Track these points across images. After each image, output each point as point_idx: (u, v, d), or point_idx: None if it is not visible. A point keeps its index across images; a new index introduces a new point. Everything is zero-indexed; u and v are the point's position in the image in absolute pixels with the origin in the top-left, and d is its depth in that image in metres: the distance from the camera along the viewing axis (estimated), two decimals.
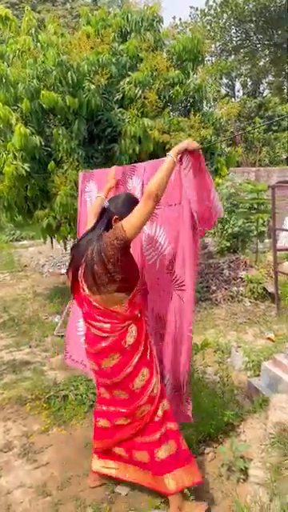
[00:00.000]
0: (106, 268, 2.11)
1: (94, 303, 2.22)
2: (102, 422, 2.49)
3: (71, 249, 2.40)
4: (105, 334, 2.23)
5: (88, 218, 2.65)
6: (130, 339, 2.26)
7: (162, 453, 2.30)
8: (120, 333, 2.23)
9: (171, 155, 2.13)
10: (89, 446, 3.05)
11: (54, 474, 2.79)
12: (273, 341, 4.61)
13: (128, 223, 2.09)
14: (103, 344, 2.25)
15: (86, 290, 2.24)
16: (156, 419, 2.32)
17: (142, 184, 2.60)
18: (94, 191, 3.08)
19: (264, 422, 2.93)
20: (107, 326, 2.23)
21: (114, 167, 2.81)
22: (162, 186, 2.08)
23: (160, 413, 2.32)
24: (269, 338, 4.73)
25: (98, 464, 2.61)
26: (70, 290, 2.42)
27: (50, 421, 3.37)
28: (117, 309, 2.22)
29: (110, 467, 2.56)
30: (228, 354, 4.50)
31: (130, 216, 2.11)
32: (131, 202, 2.26)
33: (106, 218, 2.25)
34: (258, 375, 3.75)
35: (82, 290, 2.28)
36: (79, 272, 2.27)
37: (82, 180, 3.22)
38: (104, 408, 2.45)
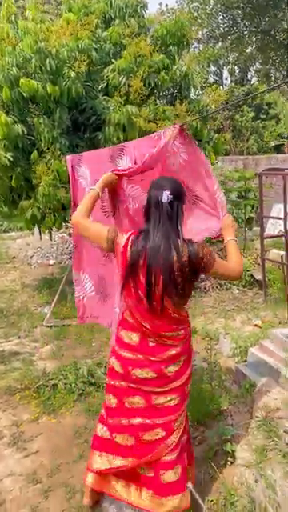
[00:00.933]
0: (191, 280, 1.98)
1: (174, 315, 2.01)
2: (121, 438, 2.11)
3: (148, 250, 1.93)
4: (177, 342, 2.07)
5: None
6: (191, 340, 2.21)
7: (179, 469, 2.08)
8: (189, 336, 2.17)
9: (231, 238, 2.26)
10: (77, 434, 3.08)
11: (43, 461, 2.81)
12: (260, 327, 4.65)
13: (222, 263, 2.05)
14: (173, 351, 2.06)
15: (167, 302, 1.96)
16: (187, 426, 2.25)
17: (134, 162, 2.57)
18: (87, 177, 3.01)
19: (251, 406, 2.97)
20: (182, 332, 2.09)
21: (110, 174, 2.29)
22: None
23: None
24: (256, 325, 4.78)
25: (95, 480, 2.21)
26: (134, 299, 2.02)
27: (40, 410, 3.39)
28: (185, 313, 2.13)
29: (114, 486, 2.19)
30: (216, 341, 4.54)
31: (226, 263, 2.10)
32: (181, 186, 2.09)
33: (178, 212, 1.98)
34: (246, 361, 3.79)
35: (159, 302, 1.95)
36: (158, 281, 1.92)
37: (70, 163, 3.14)
38: (126, 422, 2.09)
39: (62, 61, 4.87)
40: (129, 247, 1.98)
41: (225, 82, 25.71)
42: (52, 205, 5.04)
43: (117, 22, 5.76)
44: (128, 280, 1.99)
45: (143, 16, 6.08)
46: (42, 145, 4.99)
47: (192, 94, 6.58)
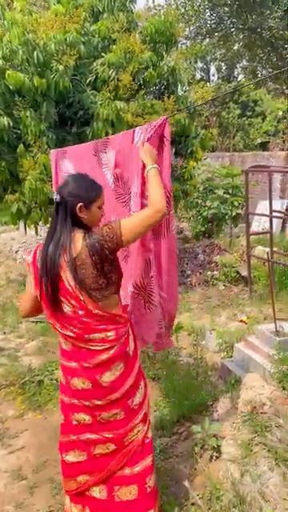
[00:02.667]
0: (103, 269, 1.80)
1: (96, 311, 1.83)
2: (73, 456, 1.96)
3: (39, 262, 1.88)
4: (107, 345, 1.87)
5: None
6: (131, 344, 2.00)
7: (152, 480, 1.98)
8: (125, 338, 1.95)
9: (152, 166, 2.06)
10: None
11: (29, 457, 2.80)
12: (245, 323, 4.70)
13: (129, 225, 1.82)
14: (104, 356, 1.87)
15: (84, 299, 1.81)
16: (146, 441, 1.99)
17: (116, 154, 2.56)
18: (70, 170, 3.01)
19: (236, 401, 3.00)
20: (112, 333, 1.88)
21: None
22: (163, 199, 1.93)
23: (150, 433, 2.03)
24: (241, 321, 4.83)
25: (71, 507, 2.03)
26: (45, 310, 1.92)
27: (25, 406, 3.37)
28: (117, 312, 1.93)
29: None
30: (202, 337, 4.57)
31: (132, 219, 1.91)
32: (85, 180, 1.94)
33: (67, 211, 1.85)
34: (231, 356, 3.83)
35: (73, 303, 1.83)
36: (64, 283, 1.81)
37: (54, 158, 3.13)
38: (76, 438, 1.95)
39: (50, 54, 4.80)
40: (37, 257, 1.91)
41: (212, 78, 25.76)
42: (38, 199, 4.99)
43: (105, 15, 5.71)
44: (43, 290, 1.86)
45: (132, 11, 6.03)
46: (29, 138, 4.93)
47: (179, 90, 6.57)
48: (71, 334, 1.86)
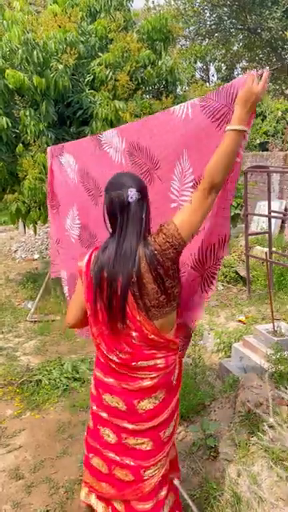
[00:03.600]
0: (165, 284, 1.56)
1: (152, 336, 1.60)
2: (97, 463, 1.82)
3: (94, 272, 1.63)
4: (154, 374, 1.66)
5: None
6: (176, 372, 1.77)
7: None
8: (173, 366, 1.73)
9: (236, 127, 1.52)
10: (61, 429, 3.07)
11: (26, 457, 2.80)
12: (244, 323, 4.71)
13: (185, 225, 1.54)
14: (148, 382, 1.66)
15: (141, 318, 1.58)
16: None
17: (125, 143, 2.54)
18: (71, 162, 2.98)
19: (234, 401, 3.00)
20: (161, 361, 1.66)
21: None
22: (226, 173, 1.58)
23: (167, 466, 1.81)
24: (240, 321, 4.83)
25: (96, 502, 1.88)
26: (93, 327, 1.70)
27: (23, 405, 3.37)
28: (170, 336, 1.68)
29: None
30: (200, 337, 4.57)
31: (185, 214, 1.56)
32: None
33: (141, 212, 1.59)
34: (229, 356, 3.83)
35: (127, 324, 1.60)
36: (119, 300, 1.57)
37: (51, 155, 3.12)
38: (100, 448, 1.80)
39: (50, 53, 4.81)
40: (91, 265, 1.65)
41: (212, 78, 25.76)
42: (38, 198, 4.99)
43: (102, 15, 5.72)
44: (96, 304, 1.63)
45: (129, 9, 6.04)
46: (28, 138, 4.94)
47: (178, 90, 6.58)
48: (116, 360, 1.66)
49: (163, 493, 1.77)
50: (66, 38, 4.92)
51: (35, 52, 4.65)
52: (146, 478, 1.71)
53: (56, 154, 3.06)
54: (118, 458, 1.73)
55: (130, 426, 1.69)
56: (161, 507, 1.75)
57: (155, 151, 2.24)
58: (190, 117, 1.97)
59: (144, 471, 1.71)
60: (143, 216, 1.59)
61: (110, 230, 1.64)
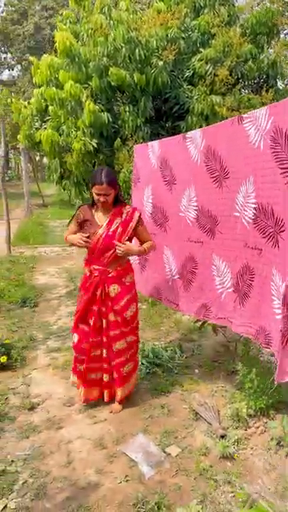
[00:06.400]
0: None
1: None
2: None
3: None
4: None
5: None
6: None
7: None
8: None
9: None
10: (143, 409, 3.23)
11: (110, 430, 3.00)
12: None
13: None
14: None
15: None
16: None
17: (207, 148, 2.76)
18: (155, 150, 3.44)
19: None
20: None
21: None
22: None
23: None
24: None
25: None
26: None
27: None
28: None
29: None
30: None
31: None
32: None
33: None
34: None
35: None
36: None
37: (141, 152, 3.54)
38: None
39: (151, 50, 4.99)
40: None
41: None
42: (130, 191, 5.22)
43: (206, 10, 5.74)
44: None
45: (233, 4, 5.99)
46: (126, 132, 5.17)
47: (280, 84, 6.38)
48: None
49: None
50: (167, 35, 5.05)
51: (137, 50, 4.86)
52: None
53: (145, 150, 3.50)
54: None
55: None
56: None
57: (227, 163, 2.53)
58: (260, 150, 2.26)
59: None
60: None
61: None
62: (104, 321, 3.07)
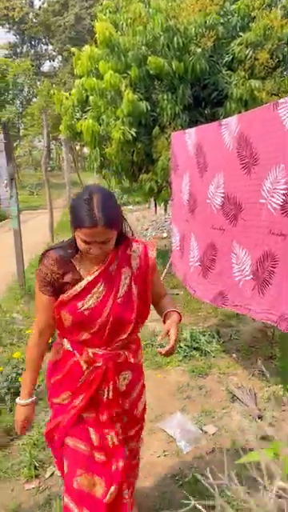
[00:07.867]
0: None
1: None
2: None
3: None
4: None
5: None
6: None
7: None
8: None
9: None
10: (180, 390, 3.34)
11: (149, 407, 3.12)
12: None
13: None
14: None
15: None
16: None
17: (237, 128, 2.81)
18: (192, 135, 3.48)
19: None
20: None
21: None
22: None
23: None
24: None
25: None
26: None
27: (147, 365, 3.72)
28: None
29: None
30: None
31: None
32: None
33: None
34: None
35: None
36: None
37: (178, 139, 3.58)
38: None
39: (189, 38, 4.98)
40: None
41: None
42: (169, 178, 5.29)
43: None
44: None
45: None
46: (165, 120, 5.22)
47: None
48: None
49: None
50: (205, 22, 5.02)
51: (176, 38, 4.87)
52: None
53: (182, 137, 3.55)
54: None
55: None
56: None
57: (257, 149, 2.55)
58: None
59: None
60: None
61: None
62: (112, 436, 1.71)
